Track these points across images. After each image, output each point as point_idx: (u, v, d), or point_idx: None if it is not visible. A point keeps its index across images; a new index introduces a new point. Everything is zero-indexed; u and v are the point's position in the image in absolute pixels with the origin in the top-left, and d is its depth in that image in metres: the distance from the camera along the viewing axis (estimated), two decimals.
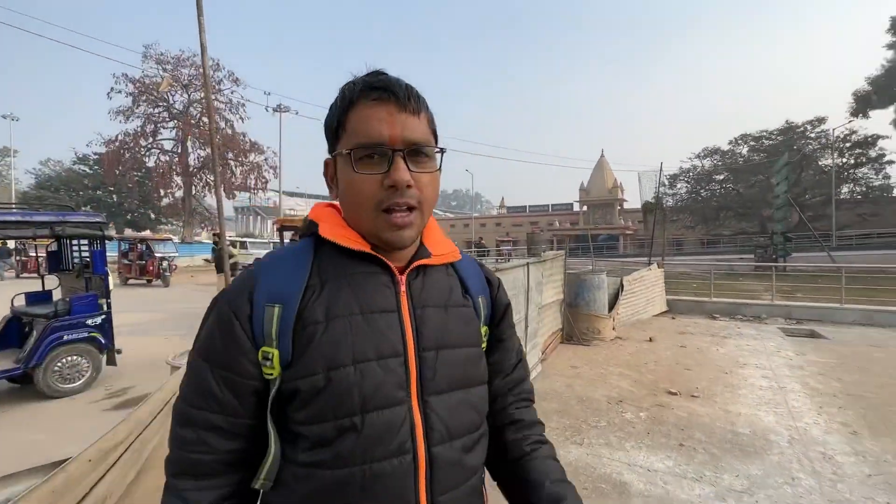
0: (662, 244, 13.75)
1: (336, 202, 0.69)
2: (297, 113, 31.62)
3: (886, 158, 26.55)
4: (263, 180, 31.98)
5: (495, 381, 0.75)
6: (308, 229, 0.69)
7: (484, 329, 0.73)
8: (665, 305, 9.09)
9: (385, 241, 0.63)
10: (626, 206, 42.49)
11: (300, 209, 47.64)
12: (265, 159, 31.66)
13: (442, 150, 0.66)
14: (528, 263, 4.24)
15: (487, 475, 0.75)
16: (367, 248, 0.64)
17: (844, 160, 27.27)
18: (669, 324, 7.85)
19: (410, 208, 0.61)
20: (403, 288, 0.65)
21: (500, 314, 0.77)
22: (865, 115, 27.40)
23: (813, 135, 27.86)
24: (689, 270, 15.36)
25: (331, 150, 0.66)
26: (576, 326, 6.30)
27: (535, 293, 4.81)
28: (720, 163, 31.13)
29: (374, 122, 0.60)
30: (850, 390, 4.29)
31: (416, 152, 0.62)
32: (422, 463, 0.60)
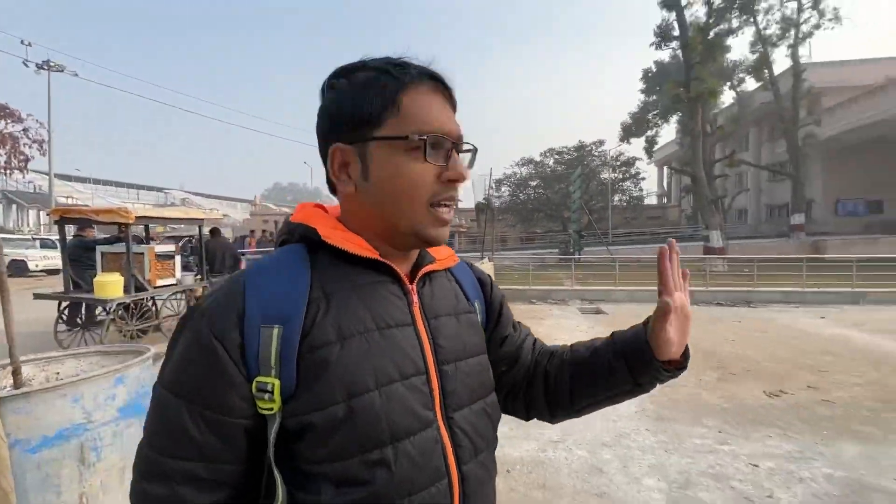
0: (492, 241, 15.60)
1: (320, 203, 0.64)
2: (75, 74, 25.09)
3: (641, 175, 35.21)
4: (21, 157, 24.49)
5: (522, 371, 0.74)
6: (291, 233, 0.60)
7: (485, 331, 0.71)
8: None
9: (428, 239, 0.58)
10: (460, 205, 46.17)
11: (81, 196, 37.82)
12: (24, 130, 24.27)
13: (475, 150, 0.63)
14: None
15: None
16: (376, 255, 0.57)
17: (616, 175, 35.10)
18: None
19: (453, 206, 0.59)
20: (416, 298, 0.60)
21: (497, 312, 0.75)
22: (628, 142, 35.90)
23: (596, 153, 35.04)
24: (513, 263, 17.74)
25: (351, 135, 0.56)
26: None
27: None
28: (534, 171, 36.61)
29: (438, 111, 0.56)
30: None
31: (461, 149, 0.59)
32: (455, 486, 0.56)
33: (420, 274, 0.62)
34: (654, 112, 34.72)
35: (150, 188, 59.44)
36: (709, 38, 19.09)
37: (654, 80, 33.55)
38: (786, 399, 3.91)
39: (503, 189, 37.17)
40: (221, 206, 61.48)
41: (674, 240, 0.70)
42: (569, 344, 0.77)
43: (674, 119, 33.22)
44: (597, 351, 0.71)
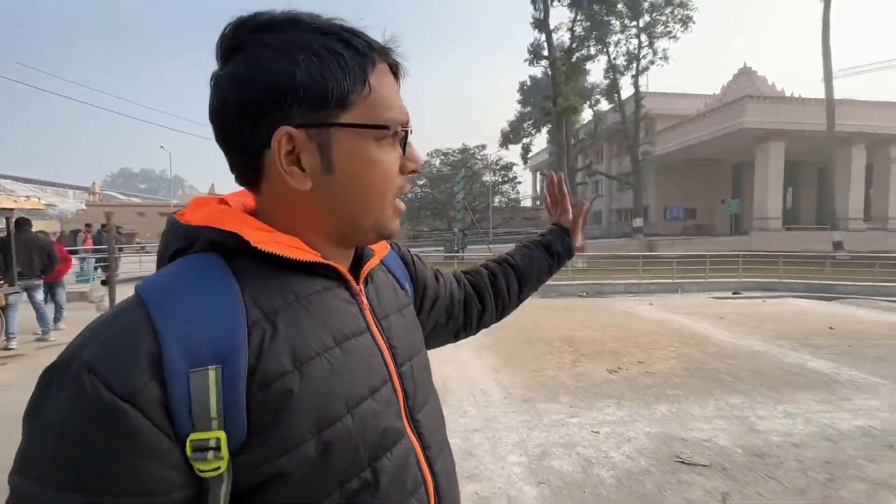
0: None
1: (229, 197, 0.52)
2: None
3: (518, 180, 38.39)
4: None
5: (460, 310, 0.84)
6: (191, 240, 0.46)
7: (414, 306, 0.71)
8: None
9: (390, 233, 0.53)
10: None
11: None
12: None
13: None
14: None
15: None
16: (318, 257, 0.48)
17: (496, 178, 37.69)
18: None
19: None
20: (365, 300, 0.53)
21: (422, 283, 0.75)
22: (507, 147, 38.84)
23: (479, 157, 37.19)
24: None
25: (307, 118, 0.44)
26: None
27: None
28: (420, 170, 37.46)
29: (397, 96, 0.50)
30: (495, 342, 6.06)
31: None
32: (430, 490, 0.52)
33: (364, 273, 0.55)
34: (529, 122, 38.15)
35: None
36: (572, 60, 21.66)
37: (528, 92, 36.81)
38: (622, 374, 4.65)
39: None
40: (45, 195, 50.36)
41: (562, 174, 1.05)
42: (486, 265, 0.94)
43: (545, 130, 36.95)
44: (532, 259, 0.93)
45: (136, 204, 49.22)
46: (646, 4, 25.52)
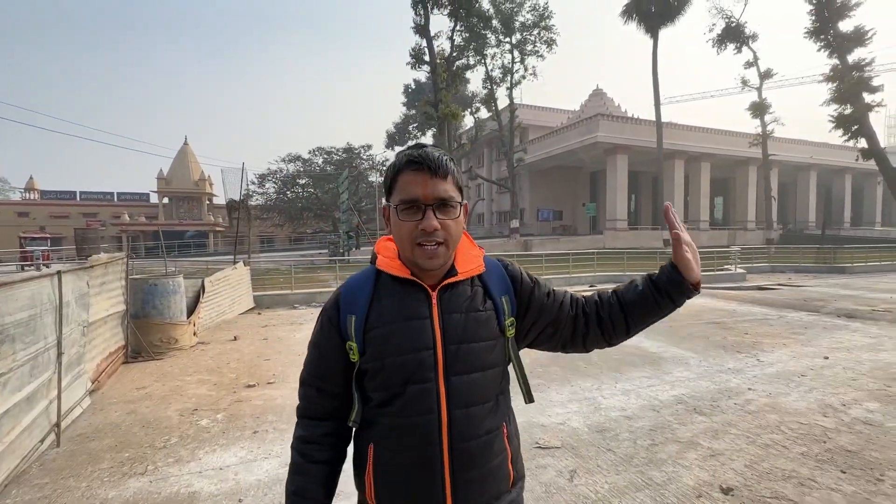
0: (248, 242, 14.14)
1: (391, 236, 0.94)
2: None
3: None
4: None
5: (567, 326, 1.02)
6: (372, 258, 0.97)
7: (509, 320, 0.96)
8: (252, 302, 9.38)
9: (421, 267, 0.88)
10: (217, 201, 40.37)
11: None
12: None
13: (461, 204, 0.91)
14: (59, 273, 3.25)
15: (522, 450, 1.11)
16: (407, 275, 0.90)
17: (383, 179, 37.46)
18: (255, 319, 8.18)
19: (438, 244, 0.86)
20: (434, 301, 0.90)
21: (526, 298, 0.99)
22: (393, 148, 38.81)
23: (365, 157, 36.48)
24: (278, 266, 16.57)
25: (386, 199, 0.91)
26: (145, 340, 5.43)
27: (77, 309, 3.77)
28: (302, 168, 35.25)
29: (413, 186, 0.86)
30: None
31: (443, 205, 0.86)
32: (444, 419, 0.86)
33: (441, 285, 0.91)
34: (414, 125, 38.66)
35: None
36: (452, 68, 22.51)
37: (413, 95, 37.28)
38: None
39: (268, 185, 34.41)
40: None
41: (670, 203, 1.02)
42: (600, 294, 1.05)
43: (430, 133, 37.79)
44: (641, 293, 0.99)
45: None
46: (517, 24, 27.75)
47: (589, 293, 1.07)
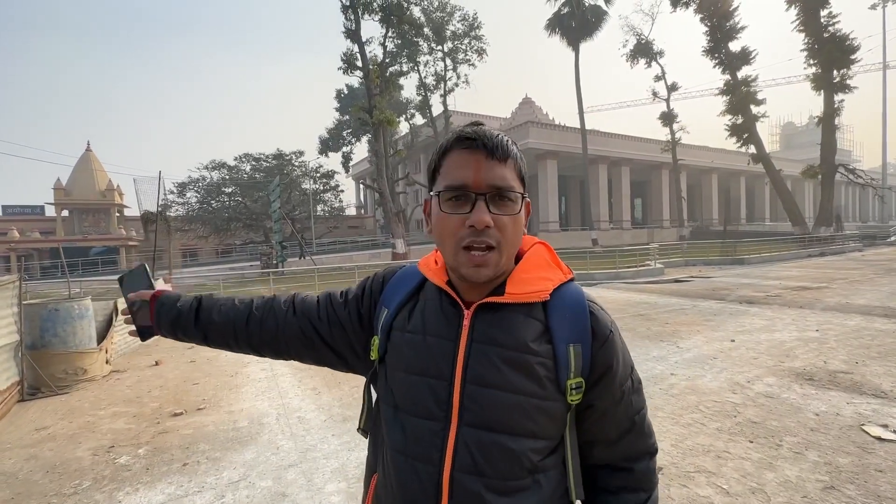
0: (169, 256, 12.98)
1: None
2: None
3: (340, 188, 37.65)
4: None
5: (595, 450, 0.75)
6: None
7: (575, 381, 0.68)
8: None
9: (463, 277, 0.69)
10: (128, 213, 36.68)
11: None
12: None
13: (524, 195, 0.70)
14: None
15: None
16: (441, 284, 0.73)
17: (317, 186, 36.20)
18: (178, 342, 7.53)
19: (489, 247, 0.66)
20: (466, 322, 0.70)
21: (596, 375, 0.70)
22: (326, 155, 37.77)
23: (297, 163, 35.08)
24: (205, 281, 15.40)
25: (429, 189, 0.72)
26: (45, 373, 4.79)
27: None
28: (227, 176, 33.09)
29: (462, 168, 0.66)
30: None
31: (500, 196, 0.66)
32: (445, 478, 0.65)
33: (478, 303, 0.70)
34: (348, 130, 37.89)
35: None
36: (386, 75, 22.43)
37: (346, 100, 36.55)
38: None
39: (189, 195, 31.89)
40: None
41: None
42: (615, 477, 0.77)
43: (365, 139, 37.26)
44: None
45: None
46: (448, 32, 28.33)
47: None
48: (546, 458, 0.68)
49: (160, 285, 0.98)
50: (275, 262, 21.89)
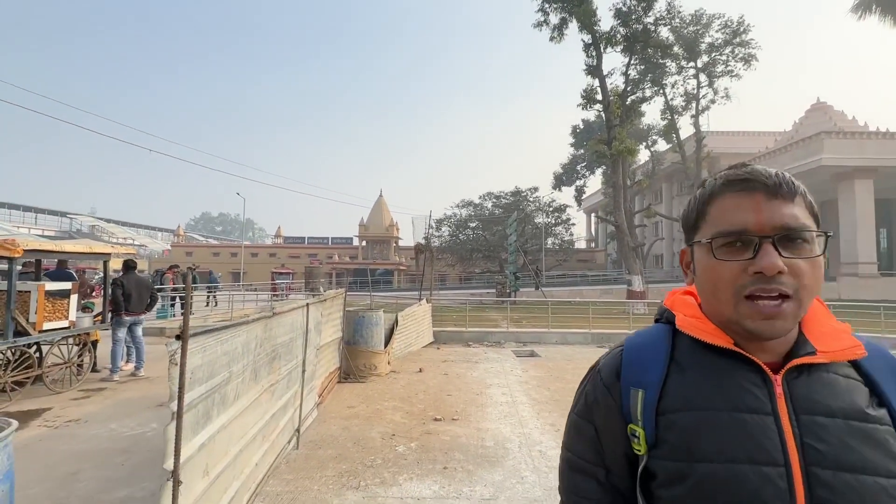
0: (430, 281, 15.62)
1: (692, 288, 0.70)
2: None
3: (571, 221, 37.62)
4: None
5: None
6: (663, 316, 0.72)
7: None
8: (432, 336, 10.17)
9: (750, 332, 0.58)
10: (400, 243, 46.19)
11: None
12: None
13: (826, 234, 0.60)
14: (307, 304, 4.10)
15: None
16: (729, 344, 0.61)
17: (549, 220, 37.21)
18: (435, 354, 8.80)
19: (783, 296, 0.57)
20: (779, 390, 0.58)
21: None
22: (560, 189, 38.57)
23: (531, 199, 37.07)
24: (450, 304, 17.76)
25: (688, 240, 0.68)
26: (353, 364, 6.36)
27: (314, 334, 4.65)
28: (473, 213, 37.76)
29: (738, 211, 0.60)
30: (555, 396, 5.70)
31: (791, 238, 0.58)
32: None
33: (788, 365, 0.59)
34: (582, 164, 37.80)
35: (54, 212, 53.14)
36: (626, 103, 21.46)
37: (581, 135, 36.70)
38: None
39: (443, 229, 37.79)
40: (139, 236, 56.27)
41: None
42: None
43: (599, 171, 36.35)
44: None
45: (212, 245, 53.67)
46: (703, 46, 25.10)
47: None
48: None
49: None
50: (508, 290, 23.37)
